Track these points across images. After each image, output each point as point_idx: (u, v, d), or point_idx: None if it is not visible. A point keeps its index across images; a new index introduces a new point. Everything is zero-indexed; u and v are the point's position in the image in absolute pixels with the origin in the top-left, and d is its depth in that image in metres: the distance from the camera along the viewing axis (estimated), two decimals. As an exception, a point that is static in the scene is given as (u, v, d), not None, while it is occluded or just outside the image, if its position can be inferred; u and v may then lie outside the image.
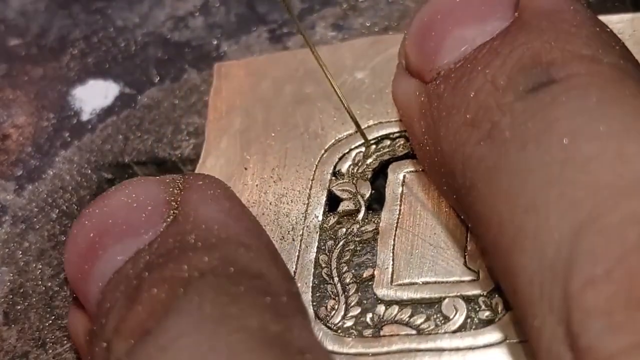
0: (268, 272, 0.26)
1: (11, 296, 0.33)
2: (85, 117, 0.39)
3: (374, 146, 0.33)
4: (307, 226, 0.31)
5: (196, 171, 0.35)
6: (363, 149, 0.33)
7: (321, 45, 0.37)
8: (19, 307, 0.33)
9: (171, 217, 0.27)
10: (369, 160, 0.32)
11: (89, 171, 0.37)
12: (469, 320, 0.28)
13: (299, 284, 0.30)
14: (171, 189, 0.28)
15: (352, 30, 0.38)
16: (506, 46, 0.26)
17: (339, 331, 0.29)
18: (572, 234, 0.22)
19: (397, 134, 0.33)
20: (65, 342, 0.32)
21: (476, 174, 0.25)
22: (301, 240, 0.31)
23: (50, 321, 0.33)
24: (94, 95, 0.39)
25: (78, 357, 0.32)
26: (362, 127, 0.33)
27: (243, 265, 0.25)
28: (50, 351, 0.32)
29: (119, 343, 0.24)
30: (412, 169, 0.31)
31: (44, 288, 0.34)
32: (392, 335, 0.28)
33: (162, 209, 0.27)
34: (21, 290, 0.34)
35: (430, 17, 0.29)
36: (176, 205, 0.27)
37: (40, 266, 0.34)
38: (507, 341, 0.27)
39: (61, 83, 0.40)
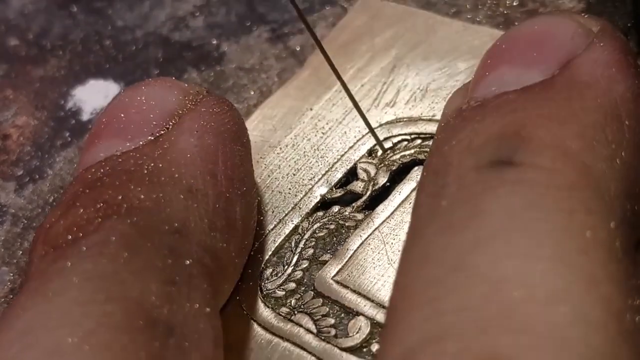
0: (195, 225, 0.25)
1: (11, 296, 0.33)
2: (85, 117, 0.39)
3: (419, 140, 0.32)
4: (313, 190, 0.31)
5: (277, 91, 0.35)
6: (408, 137, 0.32)
7: (447, 17, 0.36)
8: (19, 307, 0.33)
9: (159, 134, 0.26)
10: (407, 152, 0.32)
11: (89, 171, 0.37)
12: (362, 346, 0.27)
13: (270, 239, 0.30)
14: (187, 101, 0.27)
15: (352, 30, 0.38)
16: (512, 104, 0.24)
17: (265, 297, 0.29)
18: (417, 343, 0.20)
19: None
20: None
21: (413, 225, 0.24)
22: (300, 201, 0.31)
23: (51, 321, 0.33)
24: (94, 95, 0.39)
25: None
26: (423, 119, 0.32)
27: (169, 215, 0.24)
28: (51, 351, 0.32)
29: (39, 246, 0.24)
30: None
31: (44, 288, 0.34)
32: (296, 324, 0.28)
33: (161, 120, 0.26)
34: (21, 290, 0.34)
35: (499, 44, 0.27)
36: (175, 122, 0.26)
37: (41, 266, 0.34)
38: None
39: (61, 83, 0.40)
